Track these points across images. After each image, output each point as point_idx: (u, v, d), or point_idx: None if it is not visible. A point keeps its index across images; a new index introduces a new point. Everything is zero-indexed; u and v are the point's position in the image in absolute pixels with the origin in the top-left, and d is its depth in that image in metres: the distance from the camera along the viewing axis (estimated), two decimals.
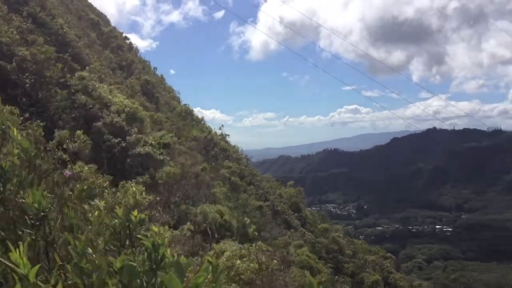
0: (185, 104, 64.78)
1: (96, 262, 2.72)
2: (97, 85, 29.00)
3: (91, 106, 27.48)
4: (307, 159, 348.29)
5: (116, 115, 28.09)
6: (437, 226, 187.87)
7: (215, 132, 59.38)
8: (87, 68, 31.06)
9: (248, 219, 32.34)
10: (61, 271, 2.78)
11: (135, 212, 3.50)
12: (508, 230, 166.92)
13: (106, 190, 6.64)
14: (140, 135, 28.53)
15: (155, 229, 2.92)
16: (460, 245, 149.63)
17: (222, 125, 63.10)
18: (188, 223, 22.61)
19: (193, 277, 1.81)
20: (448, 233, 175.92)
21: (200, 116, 64.78)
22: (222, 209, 27.96)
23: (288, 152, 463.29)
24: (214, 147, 51.95)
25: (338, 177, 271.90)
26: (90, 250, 2.93)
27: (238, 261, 13.50)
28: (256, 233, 29.65)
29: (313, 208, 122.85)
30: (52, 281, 2.39)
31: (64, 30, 32.46)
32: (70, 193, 4.06)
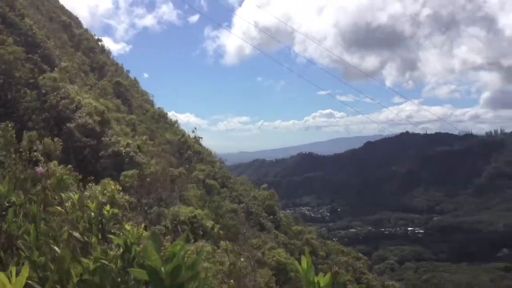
0: (158, 107, 64.42)
1: (57, 254, 2.69)
2: (67, 86, 28.67)
3: (61, 108, 27.14)
4: (281, 163, 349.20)
5: (88, 117, 27.81)
6: (409, 228, 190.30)
7: (189, 135, 59.16)
8: (56, 69, 30.67)
9: (221, 221, 32.31)
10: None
11: (108, 207, 3.51)
12: (478, 232, 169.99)
13: (78, 187, 6.62)
14: (112, 137, 28.30)
15: (128, 227, 2.93)
16: (431, 247, 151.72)
17: (195, 128, 63.02)
18: (161, 224, 22.53)
19: (170, 245, 1.76)
20: (420, 235, 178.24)
21: (174, 119, 64.48)
22: (195, 211, 27.89)
23: (263, 156, 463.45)
24: (187, 150, 51.81)
25: (312, 181, 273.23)
26: (51, 242, 2.91)
27: (206, 263, 13.50)
28: (222, 233, 29.58)
29: (288, 211, 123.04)
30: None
31: (34, 31, 32.01)
32: (45, 185, 4.06)
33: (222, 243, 17.60)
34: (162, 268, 1.67)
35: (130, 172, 25.05)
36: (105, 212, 3.49)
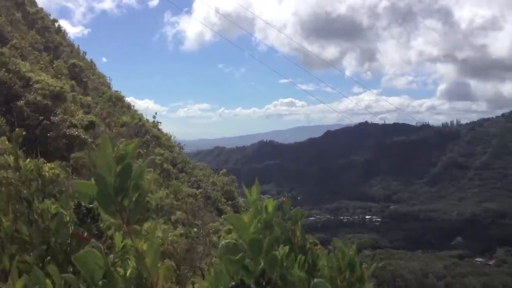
0: (116, 91, 62.76)
1: None
2: (18, 63, 27.39)
3: (12, 84, 25.92)
4: (242, 150, 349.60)
5: (40, 95, 26.65)
6: (367, 216, 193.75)
7: (147, 120, 57.99)
8: (8, 45, 29.27)
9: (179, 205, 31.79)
10: None
11: (46, 168, 3.09)
12: (433, 220, 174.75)
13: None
14: (66, 116, 27.25)
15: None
16: (388, 235, 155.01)
17: (156, 113, 61.83)
18: None
19: (123, 144, 1.55)
20: (377, 223, 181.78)
21: (132, 104, 63.08)
22: (151, 195, 27.27)
23: (223, 143, 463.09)
24: (145, 134, 50.73)
25: (272, 169, 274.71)
26: None
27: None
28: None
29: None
30: None
31: None
32: None
33: (177, 214, 17.17)
34: (112, 170, 1.54)
35: (80, 154, 24.20)
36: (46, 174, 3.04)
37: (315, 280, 1.44)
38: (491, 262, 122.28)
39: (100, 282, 1.32)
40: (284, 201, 2.02)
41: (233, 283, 1.45)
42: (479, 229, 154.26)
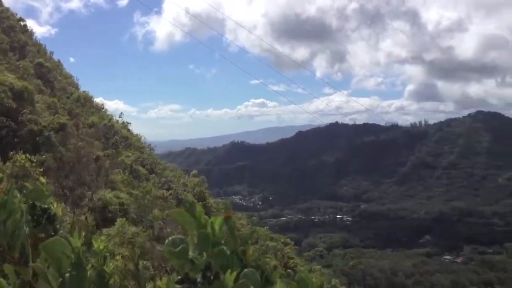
0: (84, 91, 61.69)
1: None
2: None
3: None
4: (213, 151, 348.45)
5: (4, 95, 26.10)
6: (338, 216, 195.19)
7: (117, 120, 57.17)
8: None
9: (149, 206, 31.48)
10: None
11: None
12: (402, 219, 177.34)
13: None
14: (32, 117, 26.75)
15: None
16: (358, 234, 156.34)
17: (122, 113, 60.54)
18: (84, 207, 21.54)
19: None
20: (348, 222, 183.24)
21: (101, 104, 62.00)
22: (121, 195, 26.96)
23: (195, 144, 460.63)
24: (114, 135, 50.09)
25: (244, 170, 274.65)
26: None
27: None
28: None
29: (219, 199, 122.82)
30: None
31: None
32: None
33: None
34: None
35: (47, 155, 23.78)
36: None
37: (245, 269, 1.39)
38: (459, 260, 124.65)
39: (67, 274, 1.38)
40: (229, 216, 1.85)
41: (179, 277, 1.43)
42: (447, 227, 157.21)
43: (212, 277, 1.40)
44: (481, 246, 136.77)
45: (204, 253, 1.38)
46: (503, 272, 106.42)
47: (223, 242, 1.46)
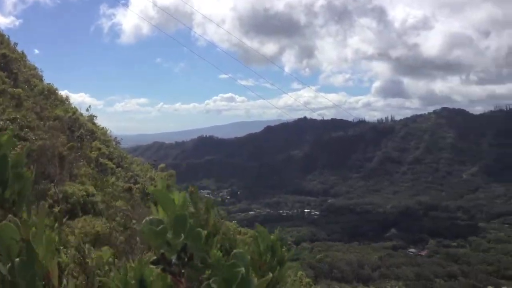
0: (48, 83, 60.17)
1: None
2: None
3: None
4: (181, 145, 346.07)
5: None
6: (306, 210, 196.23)
7: (82, 113, 55.90)
8: None
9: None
10: None
11: None
12: (368, 213, 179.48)
13: None
14: None
15: None
16: (326, 228, 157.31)
17: (90, 106, 59.34)
18: (47, 200, 20.83)
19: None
20: (315, 217, 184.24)
21: (66, 96, 60.53)
22: (86, 189, 26.29)
23: (163, 138, 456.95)
24: (80, 128, 49.00)
25: (212, 164, 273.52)
26: None
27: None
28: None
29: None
30: None
31: None
32: None
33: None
34: None
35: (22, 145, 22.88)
36: None
37: (235, 250, 1.37)
38: (424, 253, 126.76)
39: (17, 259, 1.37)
40: (193, 191, 1.92)
41: (154, 257, 1.45)
42: (412, 221, 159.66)
43: (186, 259, 1.44)
44: (446, 239, 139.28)
45: (182, 234, 1.45)
46: (466, 265, 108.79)
47: (187, 213, 1.53)
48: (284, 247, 1.82)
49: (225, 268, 1.25)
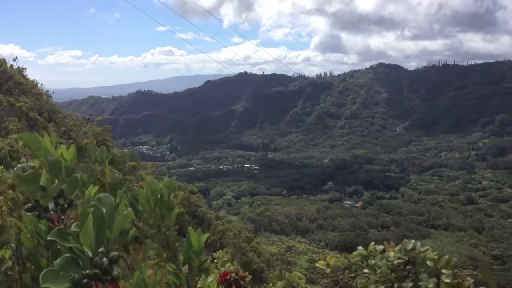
0: None
1: None
2: None
3: None
4: (118, 100, 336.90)
5: None
6: (246, 165, 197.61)
7: (11, 65, 52.78)
8: None
9: None
10: None
11: None
12: (307, 167, 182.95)
13: None
14: None
15: None
16: (265, 182, 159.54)
17: (16, 57, 55.88)
18: None
19: None
20: (255, 171, 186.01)
21: None
22: (14, 143, 24.96)
23: (98, 93, 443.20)
24: (8, 81, 46.31)
25: (151, 119, 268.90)
26: None
27: None
28: None
29: (125, 149, 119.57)
30: None
31: None
32: None
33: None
34: None
35: None
36: None
37: (101, 194, 1.33)
38: (358, 205, 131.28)
39: None
40: (88, 143, 1.88)
41: (28, 204, 1.40)
42: (348, 174, 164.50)
43: (66, 205, 1.41)
44: (379, 191, 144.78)
45: (56, 180, 1.42)
46: (398, 215, 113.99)
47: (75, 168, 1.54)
48: (172, 194, 1.74)
49: (85, 209, 1.28)
